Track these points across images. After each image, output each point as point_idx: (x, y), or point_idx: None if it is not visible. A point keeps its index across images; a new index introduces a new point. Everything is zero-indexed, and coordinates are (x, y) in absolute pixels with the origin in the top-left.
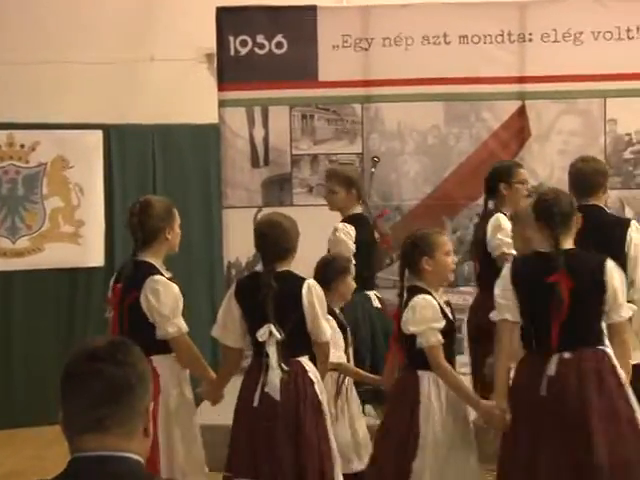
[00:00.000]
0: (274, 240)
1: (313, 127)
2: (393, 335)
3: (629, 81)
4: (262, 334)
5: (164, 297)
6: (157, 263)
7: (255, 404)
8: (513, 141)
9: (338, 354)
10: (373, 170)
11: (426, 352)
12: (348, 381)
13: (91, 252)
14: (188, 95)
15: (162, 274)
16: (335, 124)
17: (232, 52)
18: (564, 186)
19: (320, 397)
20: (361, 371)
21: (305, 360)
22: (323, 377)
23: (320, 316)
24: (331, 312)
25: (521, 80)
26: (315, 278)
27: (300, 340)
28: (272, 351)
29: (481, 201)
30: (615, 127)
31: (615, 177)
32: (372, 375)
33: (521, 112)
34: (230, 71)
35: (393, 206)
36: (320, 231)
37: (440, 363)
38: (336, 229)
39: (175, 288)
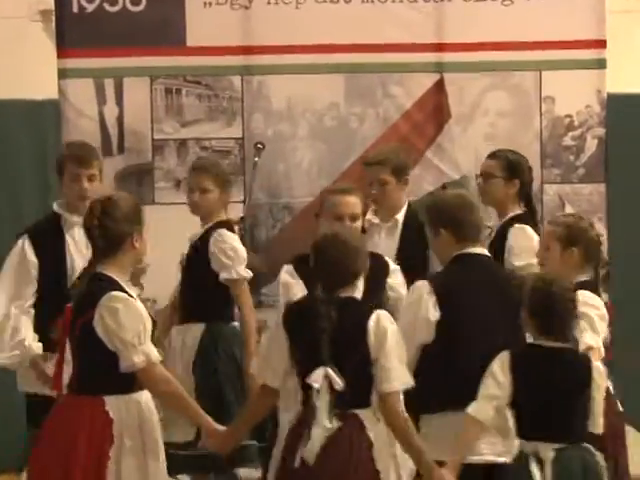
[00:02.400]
0: (339, 260)
1: (180, 105)
2: None
3: (569, 50)
4: (315, 379)
5: (125, 318)
6: (121, 278)
7: (296, 465)
8: (429, 123)
9: None
10: (257, 159)
11: None
12: None
13: None
14: (19, 63)
15: (126, 291)
16: (208, 101)
17: (75, 8)
18: None
19: (377, 465)
20: None
21: (365, 414)
22: (404, 443)
23: (391, 357)
24: None
25: (438, 48)
26: None
27: (361, 388)
28: (324, 401)
29: None
30: (553, 107)
31: (553, 168)
32: None
33: (439, 87)
34: (73, 33)
35: (281, 204)
36: (187, 235)
37: None
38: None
39: (140, 307)
